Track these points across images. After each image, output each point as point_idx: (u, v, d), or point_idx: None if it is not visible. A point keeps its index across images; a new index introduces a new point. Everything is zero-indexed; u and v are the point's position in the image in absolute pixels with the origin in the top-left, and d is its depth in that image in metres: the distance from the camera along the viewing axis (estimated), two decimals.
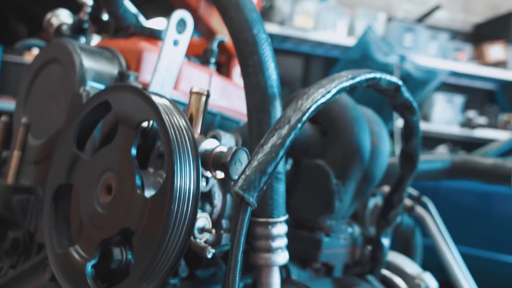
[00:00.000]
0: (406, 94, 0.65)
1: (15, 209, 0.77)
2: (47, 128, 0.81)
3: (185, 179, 0.50)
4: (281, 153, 0.51)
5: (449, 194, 2.37)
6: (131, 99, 0.57)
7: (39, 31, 3.68)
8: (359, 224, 0.97)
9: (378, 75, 0.60)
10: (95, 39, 1.18)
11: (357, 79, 0.57)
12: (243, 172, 0.51)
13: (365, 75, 0.58)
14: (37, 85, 0.88)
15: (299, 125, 0.52)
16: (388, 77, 0.61)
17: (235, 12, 0.63)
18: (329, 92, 0.55)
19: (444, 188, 2.38)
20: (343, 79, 0.56)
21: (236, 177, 0.54)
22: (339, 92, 0.56)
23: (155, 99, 0.56)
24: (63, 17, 1.15)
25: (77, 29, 1.09)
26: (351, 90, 0.58)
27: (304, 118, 0.52)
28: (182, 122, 0.55)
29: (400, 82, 0.64)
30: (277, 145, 0.51)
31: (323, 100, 0.54)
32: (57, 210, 0.63)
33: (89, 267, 0.54)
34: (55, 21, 1.14)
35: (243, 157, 0.55)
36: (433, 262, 1.22)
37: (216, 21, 2.55)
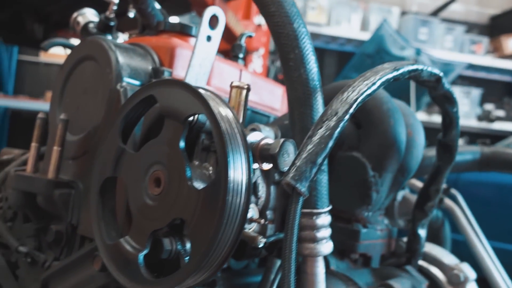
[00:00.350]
0: (447, 85, 0.66)
1: (57, 203, 0.79)
2: (84, 124, 0.83)
3: (238, 170, 0.51)
4: (330, 144, 0.52)
5: (469, 186, 2.35)
6: (178, 93, 0.58)
7: (54, 31, 3.70)
8: (387, 216, 0.98)
9: (420, 66, 0.60)
10: (121, 37, 1.19)
11: (401, 71, 0.58)
12: (293, 163, 0.52)
13: (408, 67, 0.59)
14: (72, 82, 0.90)
15: (347, 117, 0.53)
16: (429, 68, 0.62)
17: (275, 7, 0.64)
18: (374, 83, 0.55)
19: (463, 180, 2.37)
20: (387, 71, 0.57)
21: (285, 168, 0.55)
22: (383, 84, 0.56)
23: (203, 92, 0.57)
24: (89, 15, 1.17)
25: (104, 27, 1.11)
26: (393, 82, 0.59)
27: (351, 110, 0.53)
28: (230, 115, 0.56)
29: (441, 74, 0.64)
30: (326, 136, 0.52)
31: (369, 91, 0.55)
32: (104, 203, 0.65)
33: (141, 257, 0.56)
34: (81, 20, 1.16)
35: (291, 148, 0.56)
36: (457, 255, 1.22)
37: (231, 18, 2.55)
